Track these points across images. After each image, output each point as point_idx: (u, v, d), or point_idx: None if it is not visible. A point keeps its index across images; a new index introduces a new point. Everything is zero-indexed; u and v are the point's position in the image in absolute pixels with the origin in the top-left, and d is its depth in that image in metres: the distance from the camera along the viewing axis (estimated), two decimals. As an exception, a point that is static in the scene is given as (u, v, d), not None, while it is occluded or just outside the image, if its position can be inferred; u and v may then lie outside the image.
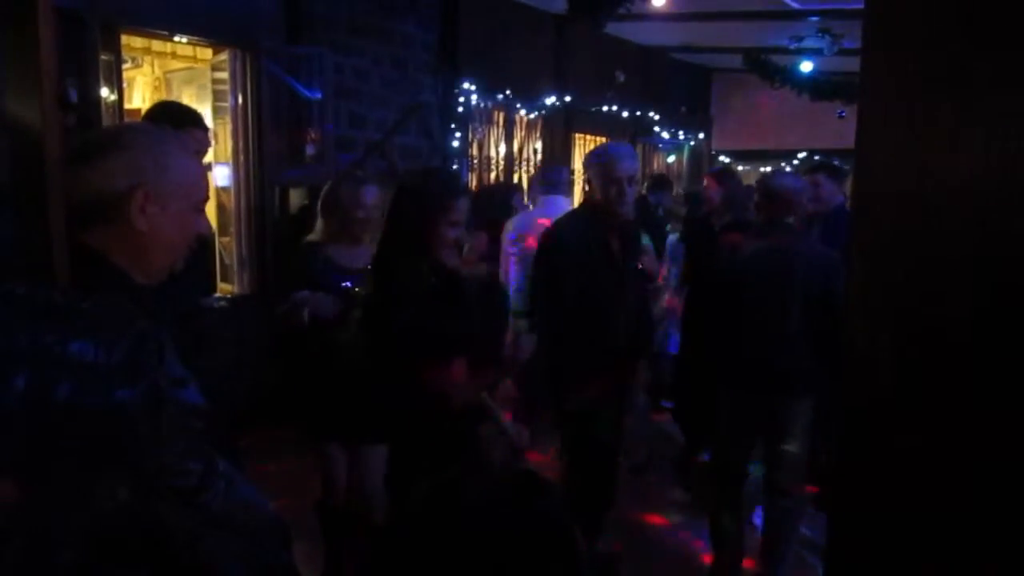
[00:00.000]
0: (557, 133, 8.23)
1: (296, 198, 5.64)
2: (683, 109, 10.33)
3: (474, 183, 7.06)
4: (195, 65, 6.14)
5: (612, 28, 7.90)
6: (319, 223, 3.03)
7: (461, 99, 6.82)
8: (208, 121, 3.70)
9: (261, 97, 5.23)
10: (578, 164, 7.67)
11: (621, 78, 8.83)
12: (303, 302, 2.77)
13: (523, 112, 7.82)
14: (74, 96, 4.13)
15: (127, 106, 4.91)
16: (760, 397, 3.05)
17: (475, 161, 7.23)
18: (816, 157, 7.67)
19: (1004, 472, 0.49)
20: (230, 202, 5.39)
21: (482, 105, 7.16)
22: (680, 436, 4.57)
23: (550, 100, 7.84)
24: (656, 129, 9.70)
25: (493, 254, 4.44)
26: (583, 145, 8.67)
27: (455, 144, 6.77)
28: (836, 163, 4.49)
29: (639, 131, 9.35)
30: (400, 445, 2.31)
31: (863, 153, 0.55)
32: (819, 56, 8.14)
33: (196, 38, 5.15)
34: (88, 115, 4.22)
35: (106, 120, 4.32)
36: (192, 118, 2.54)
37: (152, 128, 1.46)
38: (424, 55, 6.57)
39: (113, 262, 1.25)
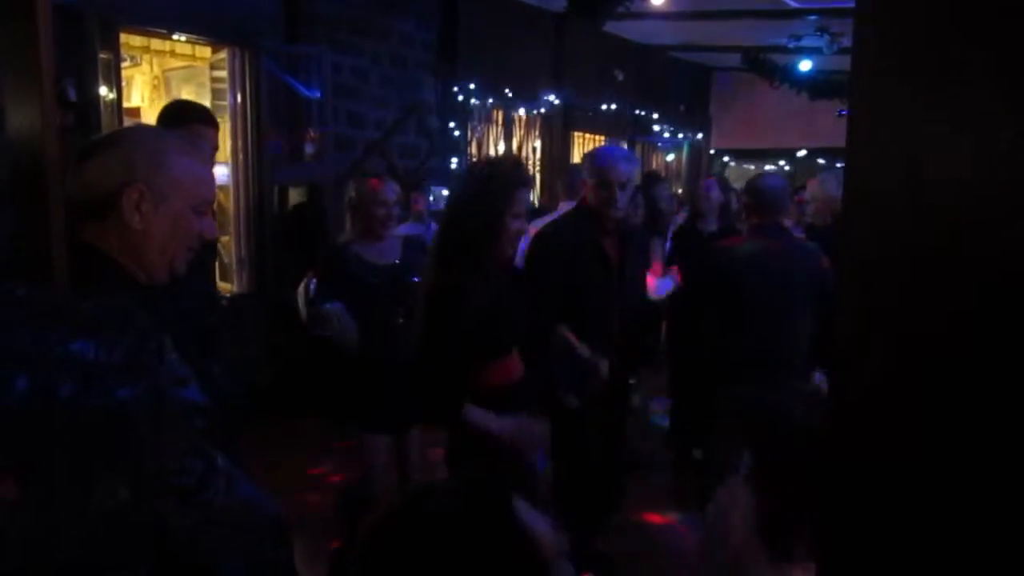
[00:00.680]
0: (556, 132, 8.24)
1: (295, 197, 5.64)
2: (682, 108, 10.32)
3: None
4: (194, 64, 6.14)
5: (611, 27, 7.91)
6: (348, 222, 3.20)
7: (460, 98, 6.82)
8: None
9: (260, 96, 5.23)
10: (577, 163, 7.67)
11: (620, 77, 8.83)
12: (330, 318, 2.85)
13: (522, 111, 7.82)
14: (73, 94, 4.13)
15: (126, 104, 4.91)
16: (760, 394, 3.05)
17: (474, 159, 7.24)
18: (820, 160, 7.67)
19: (998, 472, 0.49)
20: (229, 201, 5.40)
21: (481, 104, 7.16)
22: (676, 434, 4.59)
23: (549, 99, 7.84)
24: (655, 128, 9.70)
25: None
26: (582, 144, 8.67)
27: (454, 143, 6.78)
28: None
29: (638, 130, 9.35)
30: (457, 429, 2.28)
31: (853, 151, 0.55)
32: (818, 55, 8.15)
33: (195, 36, 5.15)
34: (87, 114, 4.22)
35: (105, 118, 4.32)
36: (197, 114, 2.48)
37: (153, 128, 1.47)
38: (423, 54, 6.57)
39: (116, 260, 1.25)
